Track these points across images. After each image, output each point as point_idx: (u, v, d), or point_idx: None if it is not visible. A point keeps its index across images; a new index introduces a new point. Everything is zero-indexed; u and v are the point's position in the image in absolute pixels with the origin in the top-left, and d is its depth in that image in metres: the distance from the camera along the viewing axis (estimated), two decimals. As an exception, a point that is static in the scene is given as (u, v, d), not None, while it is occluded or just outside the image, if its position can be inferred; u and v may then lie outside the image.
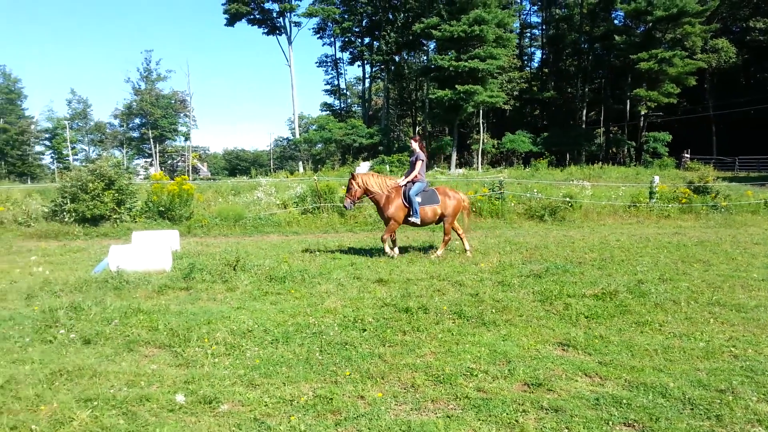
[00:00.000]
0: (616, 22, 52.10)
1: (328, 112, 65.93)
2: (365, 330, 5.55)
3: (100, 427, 3.45)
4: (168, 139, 69.73)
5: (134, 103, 66.25)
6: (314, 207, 16.92)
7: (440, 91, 44.77)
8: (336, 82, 66.50)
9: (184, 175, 24.33)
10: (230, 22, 57.87)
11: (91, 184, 14.11)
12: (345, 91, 71.29)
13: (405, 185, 10.68)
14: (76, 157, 70.42)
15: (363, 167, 43.85)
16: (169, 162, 71.24)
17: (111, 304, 6.02)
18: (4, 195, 16.80)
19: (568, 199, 16.81)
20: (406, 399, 4.02)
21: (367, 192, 10.71)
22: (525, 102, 58.59)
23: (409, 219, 10.52)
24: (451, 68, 43.66)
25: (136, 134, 70.00)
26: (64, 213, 14.20)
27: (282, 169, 59.99)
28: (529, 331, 5.57)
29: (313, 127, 63.78)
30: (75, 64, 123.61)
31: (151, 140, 66.03)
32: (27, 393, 3.90)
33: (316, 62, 65.62)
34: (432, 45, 53.33)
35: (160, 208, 15.39)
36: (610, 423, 3.65)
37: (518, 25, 58.75)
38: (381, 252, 10.30)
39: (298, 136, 61.11)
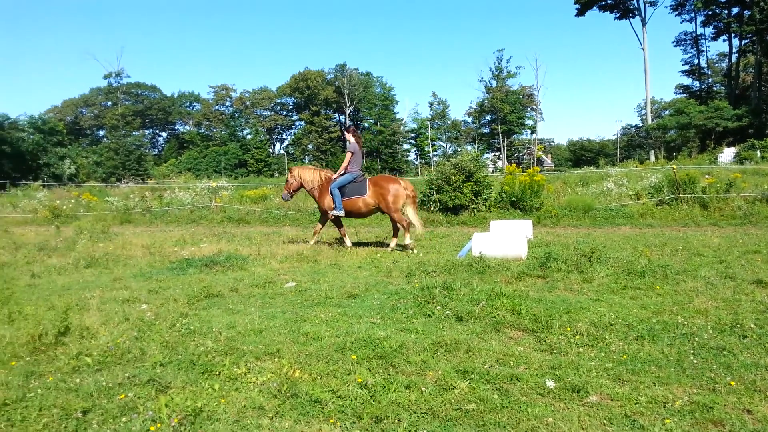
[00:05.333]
0: None
1: (684, 95, 59.87)
2: (746, 336, 4.88)
3: (478, 398, 3.77)
4: (515, 133, 72.15)
5: (485, 101, 70.30)
6: (671, 198, 15.57)
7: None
8: (695, 61, 60.01)
9: (535, 167, 24.83)
10: (581, 12, 57.02)
11: (453, 177, 15.54)
12: (706, 70, 63.57)
13: (334, 178, 10.36)
14: (435, 153, 78.27)
15: (727, 154, 38.55)
16: (515, 155, 73.67)
17: (477, 287, 6.53)
18: (383, 187, 19.69)
19: None
20: (809, 422, 3.41)
21: (302, 185, 10.75)
22: None
23: (330, 212, 10.53)
24: None
25: (486, 130, 74.31)
26: (431, 203, 15.96)
27: (630, 159, 56.47)
28: None
29: (667, 112, 58.61)
30: (437, 70, 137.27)
31: (500, 135, 69.20)
32: (415, 358, 4.49)
33: (673, 42, 60.67)
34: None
35: (512, 199, 16.06)
36: None
37: None
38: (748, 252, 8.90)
39: (650, 122, 56.80)
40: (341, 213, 10.46)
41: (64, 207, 20.13)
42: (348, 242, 10.90)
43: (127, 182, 33.77)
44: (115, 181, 44.25)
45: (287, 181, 11.20)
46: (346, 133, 11.03)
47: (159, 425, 3.35)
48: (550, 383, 3.93)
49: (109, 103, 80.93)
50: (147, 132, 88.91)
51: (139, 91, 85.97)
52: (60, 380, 4.14)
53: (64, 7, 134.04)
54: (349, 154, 10.56)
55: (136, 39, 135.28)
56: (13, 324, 5.50)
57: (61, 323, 5.05)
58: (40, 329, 4.92)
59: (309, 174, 11.01)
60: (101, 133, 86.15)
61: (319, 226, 11.19)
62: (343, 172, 10.57)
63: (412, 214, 10.50)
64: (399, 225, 10.44)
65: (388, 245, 10.58)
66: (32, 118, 58.74)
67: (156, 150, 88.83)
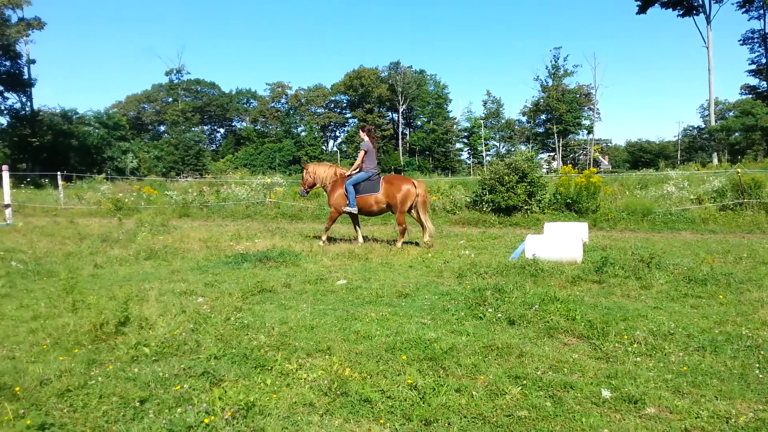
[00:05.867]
0: None
1: (751, 96, 57.36)
2: (817, 351, 4.63)
3: (530, 405, 3.69)
4: (571, 133, 70.64)
5: (541, 100, 69.06)
6: (735, 203, 14.95)
7: None
8: (763, 61, 57.49)
9: (592, 168, 24.26)
10: (642, 9, 55.41)
11: (506, 177, 15.33)
12: (774, 70, 60.74)
13: (348, 175, 10.72)
14: (488, 152, 77.42)
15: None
16: (570, 156, 72.11)
17: (530, 290, 6.41)
18: (435, 186, 19.63)
19: None
20: None
21: (316, 181, 10.94)
22: None
23: (343, 209, 10.63)
24: None
25: (541, 129, 73.00)
26: (483, 203, 15.79)
27: (691, 161, 54.41)
28: None
29: (731, 113, 56.31)
30: (492, 68, 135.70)
31: (555, 135, 67.84)
32: (466, 362, 4.43)
33: (739, 40, 57.99)
34: None
35: (567, 200, 15.72)
36: None
37: None
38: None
39: (713, 123, 54.67)
40: (354, 210, 10.60)
41: (126, 200, 20.87)
42: (324, 238, 11.02)
43: (186, 177, 34.72)
44: (174, 175, 45.60)
45: (303, 177, 11.47)
46: (360, 131, 11.16)
47: (213, 417, 3.42)
48: (605, 393, 3.82)
49: (170, 99, 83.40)
50: (205, 128, 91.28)
51: (199, 88, 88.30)
52: (119, 369, 4.29)
53: (128, 7, 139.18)
54: (362, 152, 10.71)
55: (196, 37, 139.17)
56: (76, 312, 5.72)
57: (122, 313, 5.23)
58: (101, 318, 5.10)
59: (323, 170, 11.22)
60: (162, 128, 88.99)
61: (355, 226, 11.30)
62: (357, 170, 10.72)
63: (422, 216, 10.62)
64: (399, 225, 10.63)
65: (429, 245, 10.56)
66: (98, 112, 61.21)
67: (214, 146, 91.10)
